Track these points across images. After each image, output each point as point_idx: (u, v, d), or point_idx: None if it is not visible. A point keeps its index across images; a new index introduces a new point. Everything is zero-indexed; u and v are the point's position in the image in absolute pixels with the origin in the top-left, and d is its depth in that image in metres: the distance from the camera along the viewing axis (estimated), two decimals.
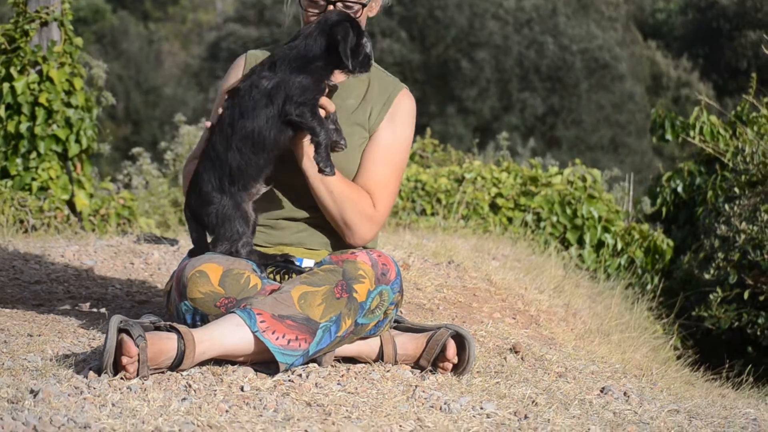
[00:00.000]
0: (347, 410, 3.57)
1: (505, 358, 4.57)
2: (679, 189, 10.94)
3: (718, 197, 10.25)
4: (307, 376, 3.82)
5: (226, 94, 4.14)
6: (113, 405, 3.39)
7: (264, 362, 3.82)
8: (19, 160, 9.05)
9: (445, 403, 3.70)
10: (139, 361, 3.59)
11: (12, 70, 9.06)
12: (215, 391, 3.63)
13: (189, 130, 12.90)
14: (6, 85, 9.05)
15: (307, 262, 4.20)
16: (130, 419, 3.27)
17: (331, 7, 4.18)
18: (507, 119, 30.34)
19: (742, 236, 8.88)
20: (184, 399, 3.50)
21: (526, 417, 3.68)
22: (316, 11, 4.20)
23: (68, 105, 9.15)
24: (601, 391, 4.24)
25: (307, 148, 4.09)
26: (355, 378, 3.93)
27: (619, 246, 10.27)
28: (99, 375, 3.62)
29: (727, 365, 7.45)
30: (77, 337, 4.30)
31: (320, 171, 4.04)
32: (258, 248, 4.20)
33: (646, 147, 30.07)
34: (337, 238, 4.30)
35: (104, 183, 10.49)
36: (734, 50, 33.95)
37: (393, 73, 4.51)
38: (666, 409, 4.08)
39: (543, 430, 3.58)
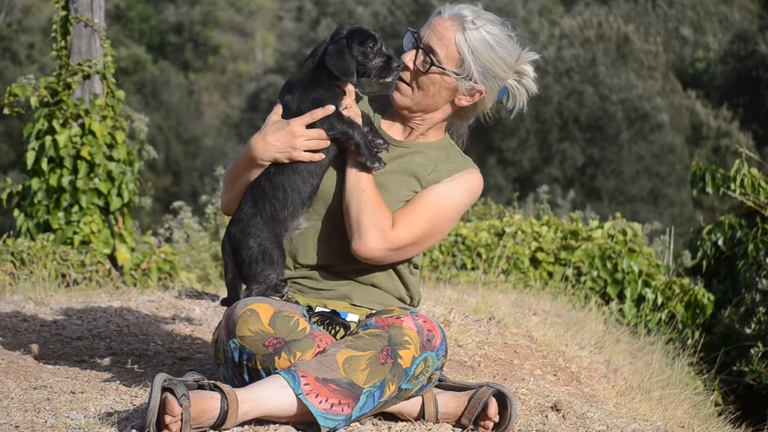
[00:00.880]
0: None
1: (546, 417, 4.56)
2: (720, 242, 10.87)
3: (759, 250, 10.19)
4: None
5: None
6: None
7: (306, 423, 3.81)
8: (61, 214, 9.11)
9: None
10: (182, 420, 3.60)
11: (54, 123, 9.13)
12: None
13: None
14: (48, 138, 9.13)
15: (351, 317, 4.21)
16: None
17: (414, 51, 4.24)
18: (547, 170, 30.31)
19: None
20: None
21: None
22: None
23: (110, 158, 9.22)
24: None
25: (353, 156, 4.14)
26: None
27: (660, 300, 10.20)
28: None
29: None
30: (119, 394, 4.33)
31: (369, 167, 4.10)
32: (297, 295, 4.22)
33: (686, 198, 29.92)
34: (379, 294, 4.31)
35: (145, 237, 10.51)
36: None
37: None
38: None
39: None
